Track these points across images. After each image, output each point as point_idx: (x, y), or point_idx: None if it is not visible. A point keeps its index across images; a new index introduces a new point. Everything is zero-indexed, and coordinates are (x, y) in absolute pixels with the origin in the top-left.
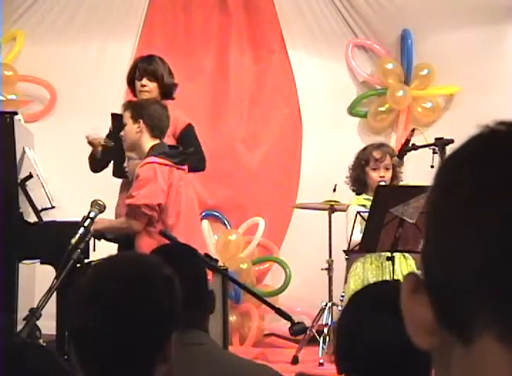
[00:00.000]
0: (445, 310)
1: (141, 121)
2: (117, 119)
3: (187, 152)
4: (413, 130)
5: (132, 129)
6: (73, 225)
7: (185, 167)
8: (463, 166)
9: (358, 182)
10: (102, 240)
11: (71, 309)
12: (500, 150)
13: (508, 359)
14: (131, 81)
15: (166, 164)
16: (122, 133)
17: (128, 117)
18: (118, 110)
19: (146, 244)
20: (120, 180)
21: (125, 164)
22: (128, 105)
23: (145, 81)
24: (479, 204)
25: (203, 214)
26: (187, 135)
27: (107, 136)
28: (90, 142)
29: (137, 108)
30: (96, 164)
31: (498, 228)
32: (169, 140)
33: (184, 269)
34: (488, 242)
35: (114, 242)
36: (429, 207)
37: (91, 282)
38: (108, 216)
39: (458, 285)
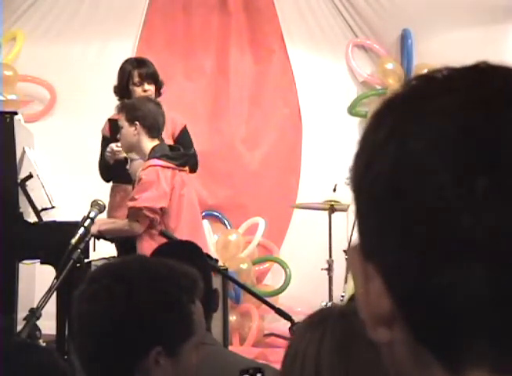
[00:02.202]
0: (427, 335)
1: (137, 123)
2: (114, 124)
3: (188, 153)
4: None
5: (129, 132)
6: (73, 225)
7: (187, 168)
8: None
9: None
10: (102, 241)
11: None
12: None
13: None
14: (124, 88)
15: (169, 167)
16: (119, 136)
17: (123, 120)
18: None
19: (148, 247)
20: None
21: (127, 167)
22: (122, 107)
23: (147, 86)
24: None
25: (203, 214)
26: (185, 137)
27: (104, 140)
28: (113, 153)
29: (131, 110)
30: (109, 172)
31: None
32: (168, 141)
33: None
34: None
35: (113, 242)
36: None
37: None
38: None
39: (449, 317)
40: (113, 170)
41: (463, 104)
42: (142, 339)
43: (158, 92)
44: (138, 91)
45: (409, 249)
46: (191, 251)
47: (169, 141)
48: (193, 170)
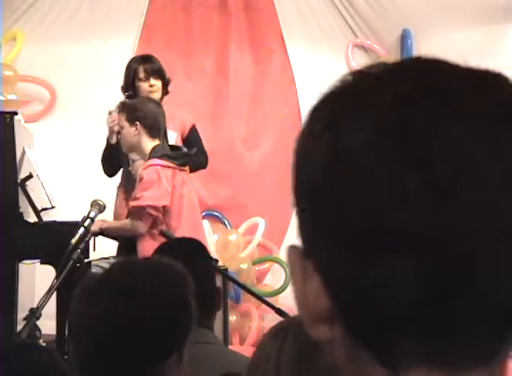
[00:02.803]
0: (360, 333)
1: (138, 123)
2: None
3: (190, 153)
4: None
5: (130, 132)
6: (73, 225)
7: (187, 168)
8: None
9: None
10: (102, 240)
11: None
12: None
13: None
14: (130, 85)
15: (169, 167)
16: (119, 136)
17: (123, 120)
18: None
19: (149, 247)
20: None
21: (129, 168)
22: (123, 107)
23: (152, 80)
24: None
25: (203, 214)
26: (194, 137)
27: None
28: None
29: (132, 110)
30: (110, 163)
31: None
32: (178, 138)
33: (195, 266)
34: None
35: (113, 239)
36: None
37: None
38: (107, 216)
39: (379, 313)
40: (118, 167)
41: (396, 100)
42: (167, 343)
43: (165, 89)
44: (144, 86)
45: (343, 246)
46: (195, 249)
47: (178, 137)
48: (202, 167)
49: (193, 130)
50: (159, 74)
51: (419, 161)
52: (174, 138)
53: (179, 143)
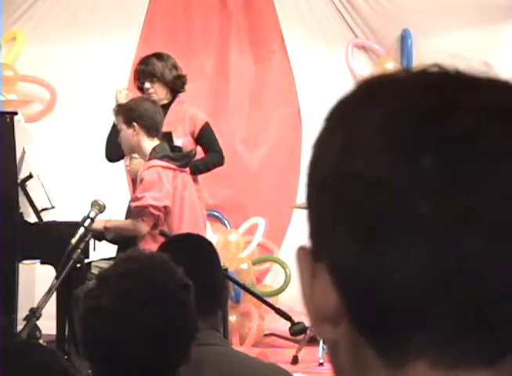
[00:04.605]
0: (367, 327)
1: (135, 124)
2: None
3: (190, 154)
4: None
5: (128, 134)
6: (73, 226)
7: (188, 169)
8: None
9: None
10: (102, 241)
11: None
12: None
13: None
14: (139, 87)
15: (170, 168)
16: (119, 139)
17: (121, 123)
18: None
19: (150, 248)
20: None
21: (127, 163)
22: (119, 110)
23: (147, 84)
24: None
25: None
26: (208, 135)
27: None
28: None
29: (128, 112)
30: (113, 147)
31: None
32: (187, 139)
33: (199, 265)
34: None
35: (114, 243)
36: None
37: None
38: (113, 213)
39: (389, 302)
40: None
41: (410, 89)
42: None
43: (172, 90)
44: (143, 89)
45: (356, 234)
46: (202, 246)
47: (188, 139)
48: (219, 165)
49: (206, 128)
50: (152, 76)
51: (432, 143)
52: (179, 144)
53: (187, 147)
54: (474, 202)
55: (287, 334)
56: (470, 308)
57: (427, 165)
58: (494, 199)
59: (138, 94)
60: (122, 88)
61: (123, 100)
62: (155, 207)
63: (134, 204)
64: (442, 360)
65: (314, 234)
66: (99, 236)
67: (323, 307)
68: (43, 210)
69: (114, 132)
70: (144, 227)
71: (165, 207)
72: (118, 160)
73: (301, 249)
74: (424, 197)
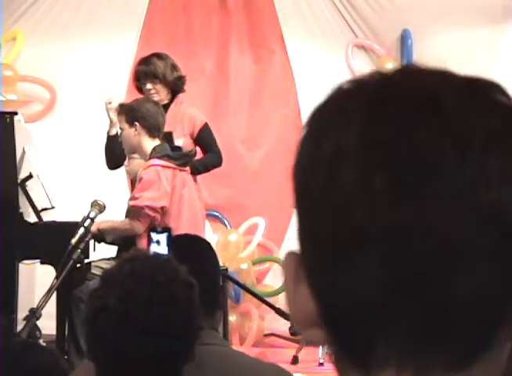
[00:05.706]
0: (333, 336)
1: (137, 123)
2: None
3: (190, 154)
4: None
5: (130, 133)
6: (73, 226)
7: (188, 168)
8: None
9: None
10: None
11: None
12: None
13: None
14: (139, 88)
15: (169, 167)
16: (120, 139)
17: (123, 122)
18: None
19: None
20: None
21: (126, 163)
22: (121, 109)
23: (149, 84)
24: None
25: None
26: (206, 136)
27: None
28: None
29: (130, 111)
30: (111, 156)
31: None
32: (186, 140)
33: (198, 263)
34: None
35: (114, 245)
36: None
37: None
38: (113, 214)
39: (353, 313)
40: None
41: (365, 106)
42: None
43: (172, 90)
44: (144, 89)
45: (318, 247)
46: (200, 246)
47: (187, 139)
48: (217, 166)
49: (205, 129)
50: (154, 76)
51: (384, 163)
52: (180, 144)
53: (187, 147)
54: (419, 217)
55: (287, 334)
56: (428, 317)
57: (378, 184)
58: (437, 215)
59: (138, 95)
60: (111, 98)
61: (114, 114)
62: (151, 208)
63: (131, 202)
64: (406, 367)
65: (299, 239)
66: (99, 238)
67: (305, 312)
68: (43, 210)
69: (108, 143)
70: (139, 227)
71: (162, 208)
72: (116, 167)
73: (290, 254)
74: (374, 212)
